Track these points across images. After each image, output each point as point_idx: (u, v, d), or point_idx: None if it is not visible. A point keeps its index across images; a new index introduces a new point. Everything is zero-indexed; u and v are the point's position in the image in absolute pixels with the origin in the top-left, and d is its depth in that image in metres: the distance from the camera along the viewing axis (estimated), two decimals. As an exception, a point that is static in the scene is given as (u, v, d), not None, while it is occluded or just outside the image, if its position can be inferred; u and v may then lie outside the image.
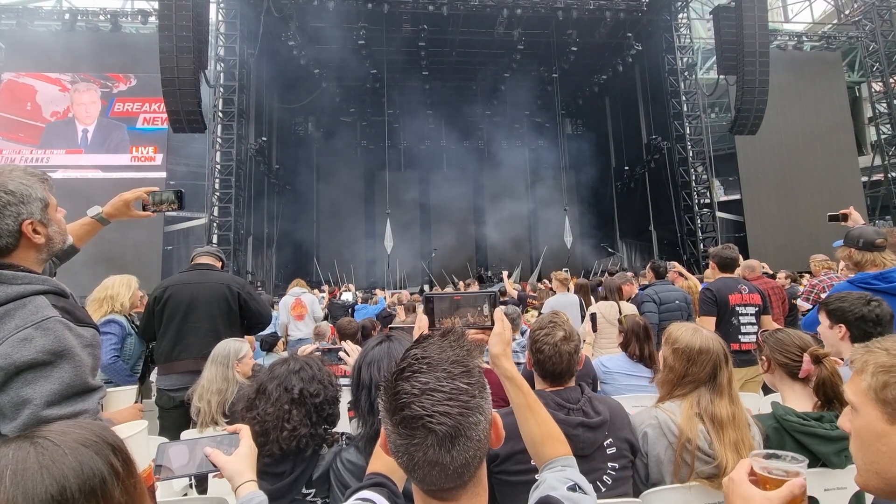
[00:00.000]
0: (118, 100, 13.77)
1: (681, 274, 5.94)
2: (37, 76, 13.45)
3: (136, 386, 3.16)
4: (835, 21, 18.73)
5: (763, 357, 1.91)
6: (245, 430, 1.27)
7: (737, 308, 3.68)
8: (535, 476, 1.52)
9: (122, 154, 13.65)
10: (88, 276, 4.04)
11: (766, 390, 4.26)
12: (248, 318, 3.40)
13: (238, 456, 1.22)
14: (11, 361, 1.10)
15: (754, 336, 3.66)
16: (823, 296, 4.26)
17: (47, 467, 0.67)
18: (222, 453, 1.21)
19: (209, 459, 1.21)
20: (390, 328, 2.22)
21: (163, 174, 13.60)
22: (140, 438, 1.55)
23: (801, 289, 6.38)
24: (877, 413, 0.84)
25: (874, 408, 0.84)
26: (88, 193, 11.52)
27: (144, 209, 1.87)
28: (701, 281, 5.79)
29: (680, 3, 15.52)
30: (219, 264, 3.52)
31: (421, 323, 1.33)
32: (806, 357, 1.76)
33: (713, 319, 3.64)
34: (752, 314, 3.71)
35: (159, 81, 10.94)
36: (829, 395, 1.72)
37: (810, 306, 4.52)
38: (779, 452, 0.99)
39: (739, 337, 3.65)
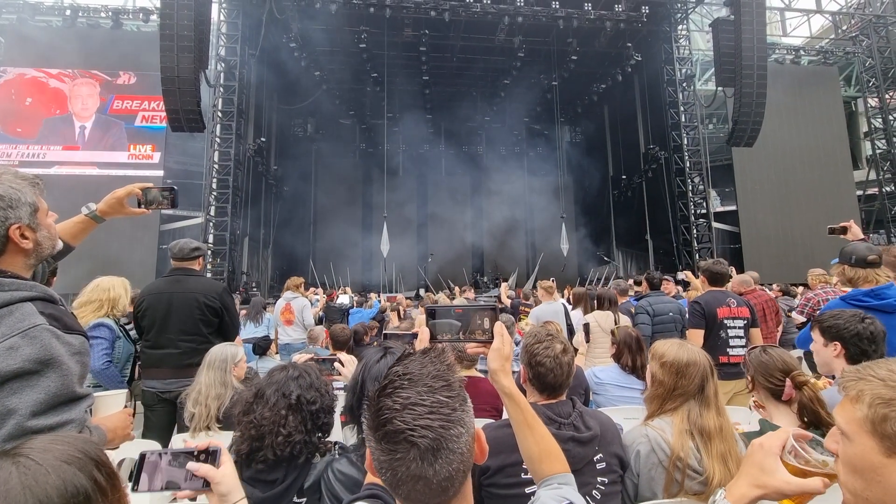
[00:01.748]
0: (117, 97, 13.75)
1: (684, 281, 5.83)
2: (40, 71, 13.43)
3: (125, 390, 3.15)
4: (832, 36, 18.94)
5: (748, 377, 1.93)
6: (223, 447, 1.21)
7: (725, 321, 3.74)
8: (527, 490, 1.53)
9: (119, 151, 13.61)
10: (82, 274, 4.02)
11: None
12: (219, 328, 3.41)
13: (229, 474, 1.16)
14: None
15: (743, 349, 3.72)
16: (819, 310, 4.30)
17: (30, 488, 0.67)
18: (213, 467, 1.14)
19: (199, 474, 1.13)
20: (385, 335, 2.23)
21: (160, 172, 13.57)
22: (118, 401, 1.50)
23: (796, 301, 6.42)
24: (873, 444, 0.83)
25: (870, 439, 0.83)
26: (85, 190, 11.50)
27: (139, 206, 1.85)
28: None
29: (679, 15, 15.67)
30: (196, 265, 3.50)
31: (423, 336, 1.35)
32: (788, 382, 1.78)
33: (702, 332, 3.70)
34: (740, 327, 3.76)
35: (159, 79, 10.94)
36: (812, 420, 1.73)
37: (805, 319, 4.55)
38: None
39: (728, 350, 3.70)
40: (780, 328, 5.34)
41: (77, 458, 0.73)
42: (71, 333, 1.24)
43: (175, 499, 1.25)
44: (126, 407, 1.64)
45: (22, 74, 13.37)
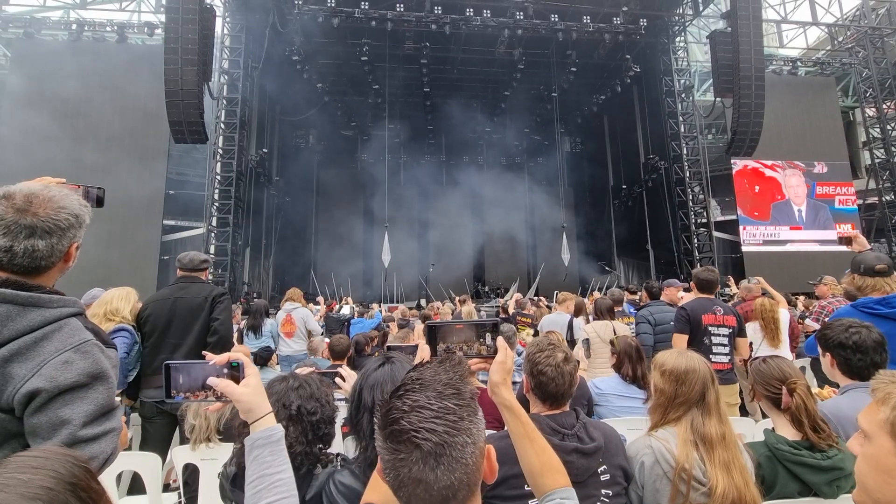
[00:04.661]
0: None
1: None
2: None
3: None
4: (828, 47, 19.10)
5: (749, 386, 1.93)
6: (245, 360, 1.21)
7: (709, 328, 3.76)
8: (530, 503, 1.52)
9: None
10: (84, 285, 4.03)
11: (744, 412, 4.28)
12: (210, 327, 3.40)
13: (252, 387, 1.16)
14: (56, 384, 1.13)
15: (726, 357, 3.77)
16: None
17: None
18: (232, 383, 1.16)
19: (219, 389, 1.15)
20: (388, 348, 2.23)
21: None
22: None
23: (796, 312, 6.39)
24: (890, 447, 0.85)
25: (889, 441, 0.85)
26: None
27: None
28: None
29: (677, 28, 15.85)
30: (203, 276, 3.57)
31: (423, 353, 1.35)
32: (784, 390, 1.78)
33: (686, 338, 3.73)
34: (724, 335, 3.79)
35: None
36: (808, 425, 1.72)
37: (818, 326, 4.51)
38: None
39: (710, 356, 3.71)
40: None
41: (48, 489, 0.66)
42: (108, 348, 1.30)
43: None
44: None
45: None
